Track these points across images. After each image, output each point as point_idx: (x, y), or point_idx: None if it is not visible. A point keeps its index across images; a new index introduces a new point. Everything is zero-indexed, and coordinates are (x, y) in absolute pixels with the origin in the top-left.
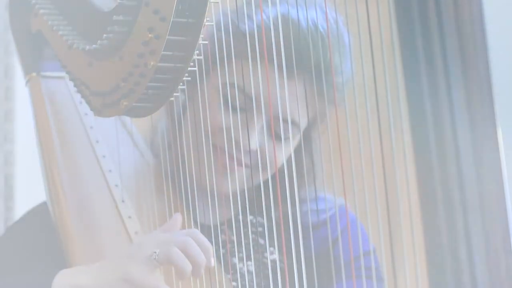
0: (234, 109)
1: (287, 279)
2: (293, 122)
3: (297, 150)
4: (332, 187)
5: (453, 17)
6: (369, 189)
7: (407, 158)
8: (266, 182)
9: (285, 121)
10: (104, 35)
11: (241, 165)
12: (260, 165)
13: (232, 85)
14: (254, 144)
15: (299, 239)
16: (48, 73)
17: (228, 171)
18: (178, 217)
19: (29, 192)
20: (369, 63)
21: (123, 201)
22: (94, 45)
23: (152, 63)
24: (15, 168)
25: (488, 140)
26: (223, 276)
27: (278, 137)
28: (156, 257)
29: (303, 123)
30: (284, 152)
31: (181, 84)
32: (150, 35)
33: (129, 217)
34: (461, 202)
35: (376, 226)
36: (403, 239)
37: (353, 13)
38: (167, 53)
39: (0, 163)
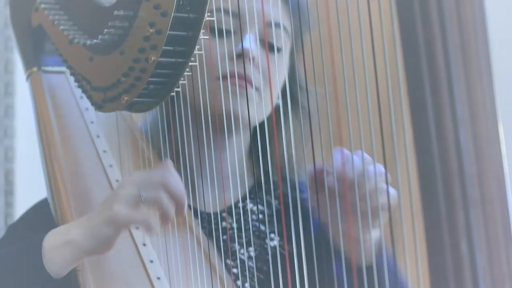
0: (221, 33)
1: (288, 263)
2: (282, 27)
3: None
4: None
5: (454, 11)
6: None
7: (408, 153)
8: (266, 170)
9: (276, 25)
10: (105, 30)
11: (250, 82)
12: (262, 78)
13: (218, 9)
14: (247, 43)
15: (299, 224)
16: (49, 68)
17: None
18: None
19: (29, 188)
20: (370, 58)
21: None
22: (95, 40)
23: (153, 58)
24: (15, 164)
25: (489, 134)
26: (222, 263)
27: (272, 48)
28: (143, 198)
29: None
30: (279, 64)
31: (182, 79)
32: (151, 30)
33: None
34: (462, 197)
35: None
36: (404, 234)
37: (354, 7)
38: (168, 48)
39: (0, 158)
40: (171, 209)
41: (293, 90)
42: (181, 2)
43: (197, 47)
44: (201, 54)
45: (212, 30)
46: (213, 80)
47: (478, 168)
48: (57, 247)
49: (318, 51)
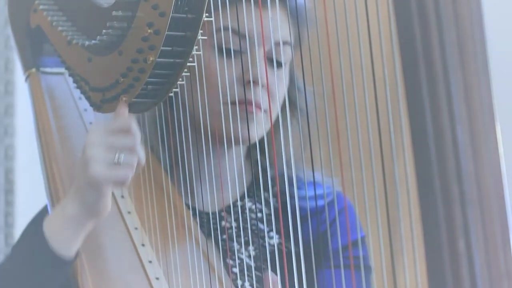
0: (229, 53)
1: (285, 262)
2: (285, 43)
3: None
4: (331, 181)
5: (451, 11)
6: (368, 182)
7: (406, 152)
8: (264, 170)
9: (278, 44)
10: (104, 30)
11: (259, 107)
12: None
13: (225, 28)
14: (256, 72)
15: (297, 224)
16: (47, 69)
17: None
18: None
19: (30, 186)
20: (368, 57)
21: (122, 196)
22: (93, 41)
23: (151, 58)
24: (15, 162)
25: (486, 133)
26: (221, 262)
27: (278, 65)
28: (120, 160)
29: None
30: (283, 79)
31: (180, 79)
32: (149, 31)
33: (129, 212)
34: (459, 196)
35: (375, 220)
36: (402, 233)
37: (352, 7)
38: (167, 48)
39: (0, 157)
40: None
41: (291, 92)
42: (179, 2)
43: (195, 47)
44: (208, 65)
45: (220, 49)
46: (222, 104)
47: (475, 166)
48: (59, 229)
49: (315, 50)
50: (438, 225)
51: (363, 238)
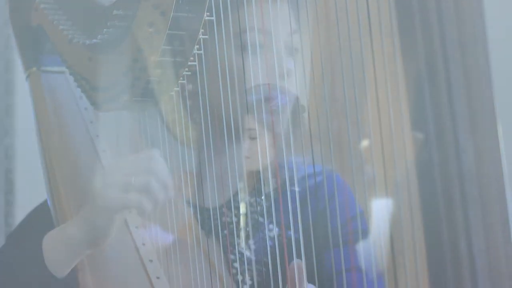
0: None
1: (286, 252)
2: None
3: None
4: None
5: (452, 9)
6: (369, 183)
7: (407, 153)
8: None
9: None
10: (104, 29)
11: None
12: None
13: (251, 28)
14: (289, 63)
15: (296, 208)
16: (48, 68)
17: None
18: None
19: (29, 186)
20: (370, 58)
21: None
22: (94, 40)
23: (152, 57)
24: (16, 162)
25: (488, 134)
26: (222, 258)
27: (297, 53)
28: (133, 184)
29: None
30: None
31: (181, 78)
32: (150, 30)
33: (130, 211)
34: (461, 196)
35: (375, 220)
36: (402, 232)
37: (353, 3)
38: (167, 47)
39: (0, 157)
40: (160, 194)
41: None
42: (180, 1)
43: (196, 46)
44: (220, 60)
45: (245, 48)
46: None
47: (477, 166)
48: (56, 247)
49: (317, 50)
50: (439, 226)
51: (361, 213)
